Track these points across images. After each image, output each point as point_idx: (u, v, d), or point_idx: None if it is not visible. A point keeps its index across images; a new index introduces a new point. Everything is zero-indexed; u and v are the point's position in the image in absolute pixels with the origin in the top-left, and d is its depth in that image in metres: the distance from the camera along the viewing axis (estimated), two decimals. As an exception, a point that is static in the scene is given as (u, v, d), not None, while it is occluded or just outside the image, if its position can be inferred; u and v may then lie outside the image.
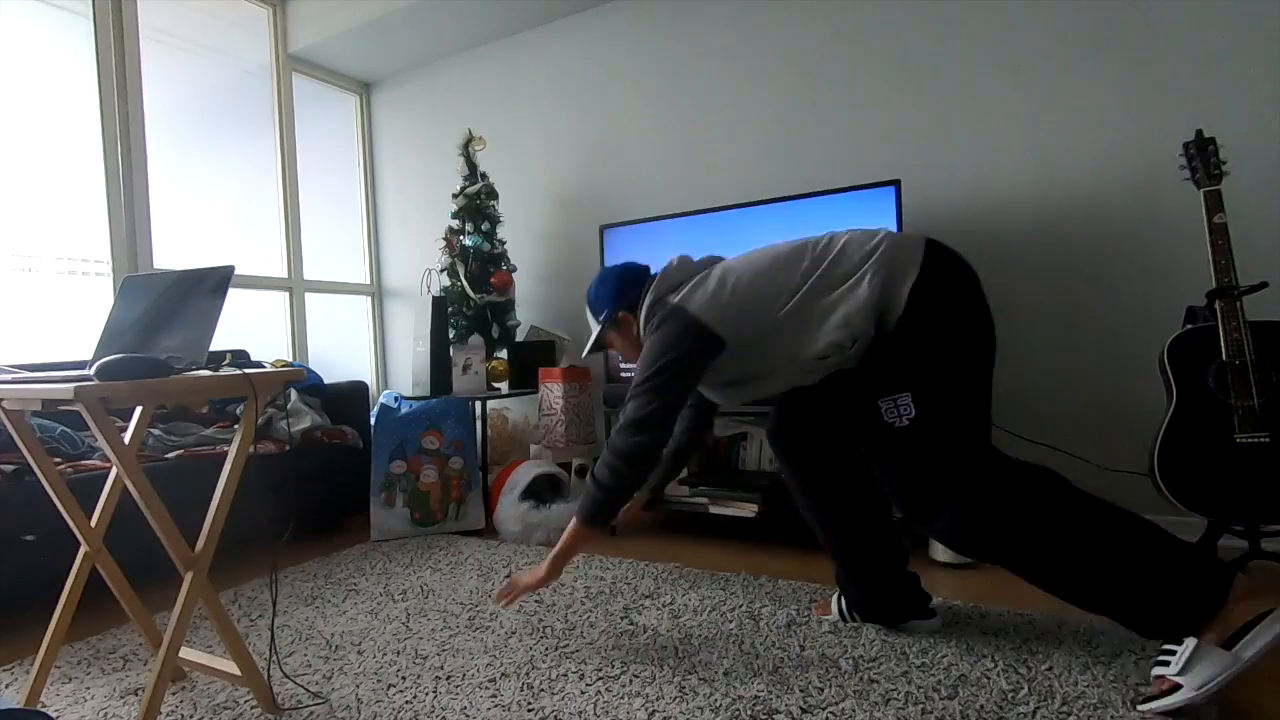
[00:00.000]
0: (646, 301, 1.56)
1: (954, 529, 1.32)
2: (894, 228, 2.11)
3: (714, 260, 1.62)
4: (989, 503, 1.28)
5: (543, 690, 1.32)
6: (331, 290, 3.53)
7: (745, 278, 1.46)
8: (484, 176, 2.97)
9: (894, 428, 1.35)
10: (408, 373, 3.61)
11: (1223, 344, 1.64)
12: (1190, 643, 1.13)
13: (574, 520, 1.49)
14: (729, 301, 1.44)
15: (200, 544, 1.22)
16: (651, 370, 1.44)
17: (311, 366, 2.98)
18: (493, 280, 2.88)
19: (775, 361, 1.46)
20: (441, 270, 2.99)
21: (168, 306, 1.30)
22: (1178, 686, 1.09)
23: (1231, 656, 1.09)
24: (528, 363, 2.90)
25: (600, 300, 1.66)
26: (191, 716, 1.29)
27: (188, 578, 1.20)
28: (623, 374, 2.65)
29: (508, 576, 1.65)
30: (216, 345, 1.25)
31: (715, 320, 1.44)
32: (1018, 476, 1.31)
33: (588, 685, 1.33)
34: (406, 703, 1.30)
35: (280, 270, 3.27)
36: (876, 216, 2.15)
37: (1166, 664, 1.13)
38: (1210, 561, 1.20)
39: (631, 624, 1.61)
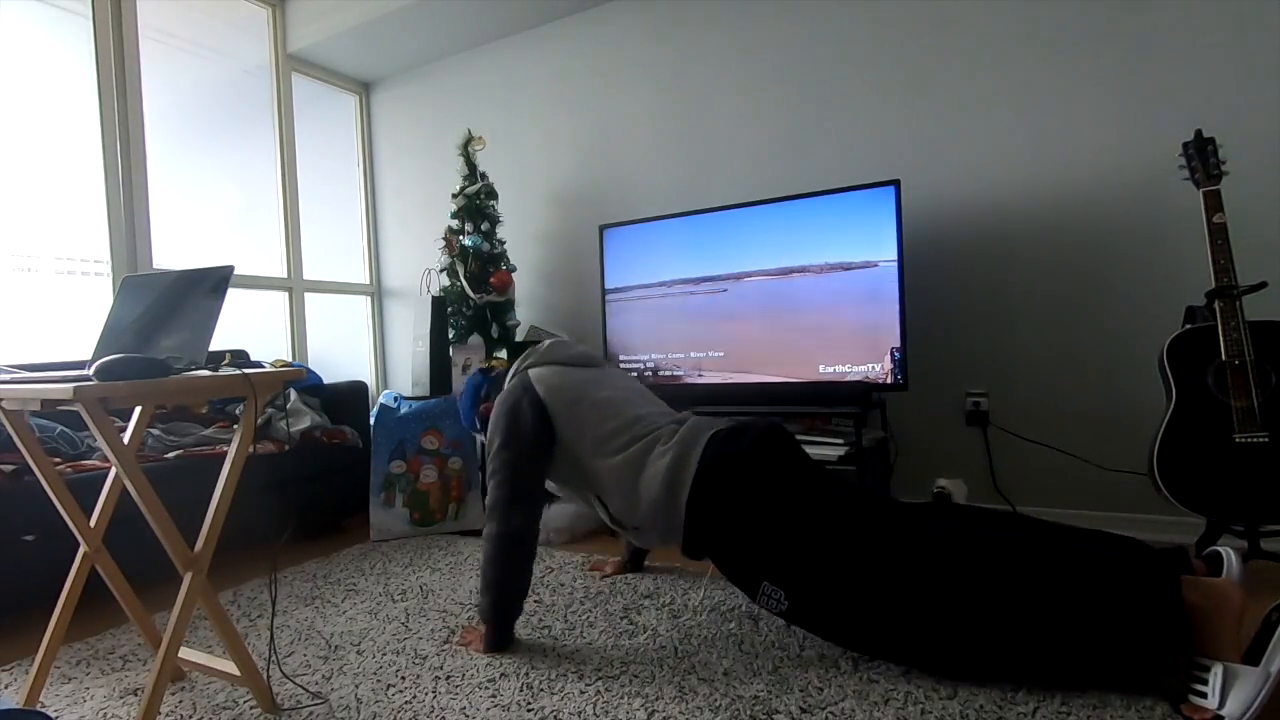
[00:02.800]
0: (509, 374, 1.70)
1: (947, 675, 1.30)
2: (894, 228, 2.12)
3: (593, 360, 1.72)
4: (959, 651, 1.26)
5: (542, 690, 1.32)
6: (331, 290, 3.53)
7: (597, 405, 1.55)
8: (483, 176, 2.97)
9: (785, 613, 1.36)
10: (407, 373, 3.60)
11: (1222, 344, 1.64)
12: (1218, 669, 1.10)
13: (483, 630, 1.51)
14: (573, 411, 1.54)
15: (200, 544, 1.22)
16: (493, 452, 1.54)
17: (311, 366, 2.98)
18: (492, 280, 2.88)
19: (587, 494, 1.58)
20: (441, 270, 2.98)
21: (167, 306, 1.30)
22: (1220, 718, 1.08)
23: (1262, 672, 1.07)
24: (527, 363, 2.90)
25: (465, 414, 1.83)
26: (191, 716, 1.29)
27: (187, 578, 1.19)
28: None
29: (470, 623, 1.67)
30: (216, 345, 1.24)
31: (554, 408, 1.54)
32: (961, 603, 1.23)
33: (587, 685, 1.33)
34: (406, 703, 1.30)
35: (280, 270, 3.27)
36: (876, 216, 2.15)
37: (1203, 694, 1.11)
38: (1152, 586, 1.17)
39: (631, 624, 1.61)
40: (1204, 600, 1.16)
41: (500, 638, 1.50)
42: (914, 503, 1.44)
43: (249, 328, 3.13)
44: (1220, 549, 1.25)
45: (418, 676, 1.40)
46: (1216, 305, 1.66)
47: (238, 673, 1.26)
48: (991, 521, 1.43)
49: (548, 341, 1.72)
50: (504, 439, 1.53)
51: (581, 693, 1.30)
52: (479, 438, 1.72)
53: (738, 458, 1.44)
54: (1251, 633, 1.14)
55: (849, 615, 1.30)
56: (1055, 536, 1.34)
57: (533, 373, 1.62)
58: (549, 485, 1.65)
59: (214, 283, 1.26)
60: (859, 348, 2.18)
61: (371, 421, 2.57)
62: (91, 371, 1.08)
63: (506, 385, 1.65)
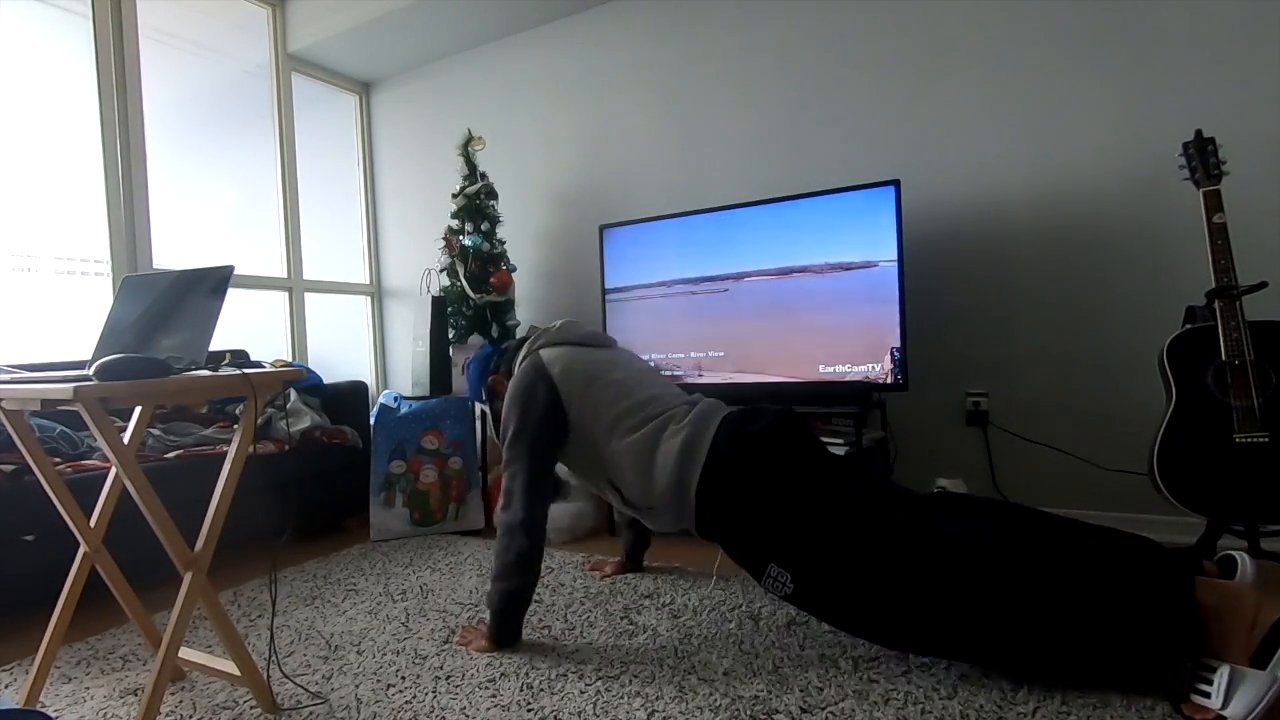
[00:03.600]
0: (521, 353, 1.68)
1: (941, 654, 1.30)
2: (894, 228, 2.12)
3: (604, 341, 1.71)
4: (964, 642, 1.25)
5: (542, 690, 1.32)
6: (331, 290, 3.53)
7: (610, 386, 1.55)
8: (483, 176, 2.96)
9: (790, 596, 1.36)
10: (407, 373, 3.60)
11: (1222, 344, 1.64)
12: (1224, 670, 1.10)
13: (486, 639, 1.51)
14: (587, 394, 1.54)
15: (200, 544, 1.22)
16: (509, 440, 1.53)
17: (311, 366, 2.98)
18: (492, 280, 2.88)
19: (599, 479, 1.58)
20: (441, 270, 2.98)
21: (167, 306, 1.30)
22: (1222, 719, 1.08)
23: (1269, 676, 1.06)
24: (527, 363, 2.90)
25: (473, 385, 1.80)
26: (191, 716, 1.29)
27: (187, 578, 1.20)
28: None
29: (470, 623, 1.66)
30: (216, 345, 1.24)
31: (568, 391, 1.54)
32: (970, 595, 1.22)
33: (587, 685, 1.33)
34: (406, 703, 1.30)
35: (280, 270, 3.27)
36: (876, 216, 2.15)
37: (1206, 694, 1.11)
38: (1166, 586, 1.17)
39: (631, 624, 1.61)
40: (1218, 601, 1.15)
41: (506, 631, 1.49)
42: (928, 494, 1.43)
43: (249, 328, 3.13)
44: (1234, 553, 1.25)
45: (418, 676, 1.40)
46: (1216, 305, 1.66)
47: (238, 673, 1.26)
48: (1005, 515, 1.42)
49: (559, 322, 1.70)
50: (519, 425, 1.53)
51: (581, 693, 1.30)
52: (482, 408, 1.72)
53: (753, 437, 1.44)
54: (1260, 637, 1.13)
55: (855, 602, 1.29)
56: (1069, 532, 1.33)
57: (545, 353, 1.60)
58: (560, 470, 1.65)
59: (214, 283, 1.26)
60: (859, 348, 2.18)
61: (371, 421, 2.57)
62: (91, 371, 1.08)
63: (518, 365, 1.63)
